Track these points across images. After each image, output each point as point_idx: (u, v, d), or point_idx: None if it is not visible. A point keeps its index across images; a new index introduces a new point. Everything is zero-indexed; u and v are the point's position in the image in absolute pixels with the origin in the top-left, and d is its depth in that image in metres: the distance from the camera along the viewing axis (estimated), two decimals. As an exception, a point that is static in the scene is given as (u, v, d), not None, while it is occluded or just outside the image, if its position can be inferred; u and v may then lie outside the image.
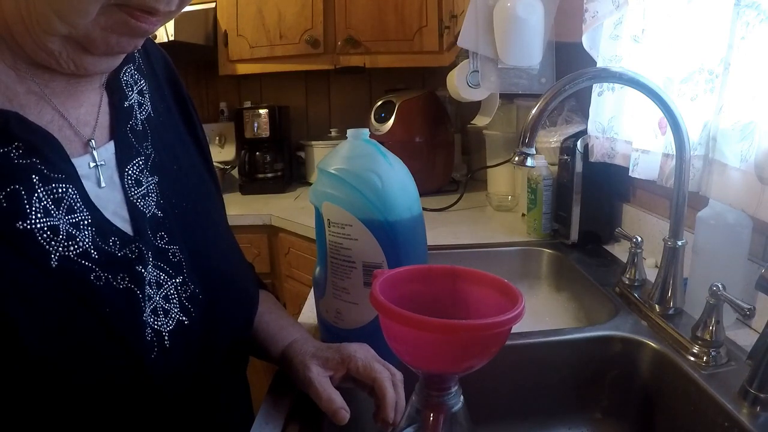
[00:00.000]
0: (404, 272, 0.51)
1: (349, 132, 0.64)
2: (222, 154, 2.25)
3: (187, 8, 1.99)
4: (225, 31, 2.00)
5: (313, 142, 2.10)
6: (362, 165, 0.61)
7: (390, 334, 0.44)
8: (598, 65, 1.00)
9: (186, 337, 0.49)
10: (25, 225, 0.40)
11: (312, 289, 0.74)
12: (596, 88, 1.02)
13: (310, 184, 2.17)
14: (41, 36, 0.41)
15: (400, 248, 0.61)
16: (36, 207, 0.41)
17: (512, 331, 0.44)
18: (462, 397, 0.46)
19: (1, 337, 0.38)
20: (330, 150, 0.64)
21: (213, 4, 1.99)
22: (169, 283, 0.49)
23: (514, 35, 1.17)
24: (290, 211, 1.75)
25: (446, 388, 0.45)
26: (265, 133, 2.03)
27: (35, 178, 0.42)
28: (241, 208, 1.82)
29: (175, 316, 0.48)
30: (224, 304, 0.54)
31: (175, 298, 0.49)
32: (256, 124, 2.02)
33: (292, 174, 2.26)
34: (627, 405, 0.70)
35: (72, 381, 0.41)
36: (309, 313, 0.82)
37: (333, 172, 0.61)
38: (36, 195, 0.41)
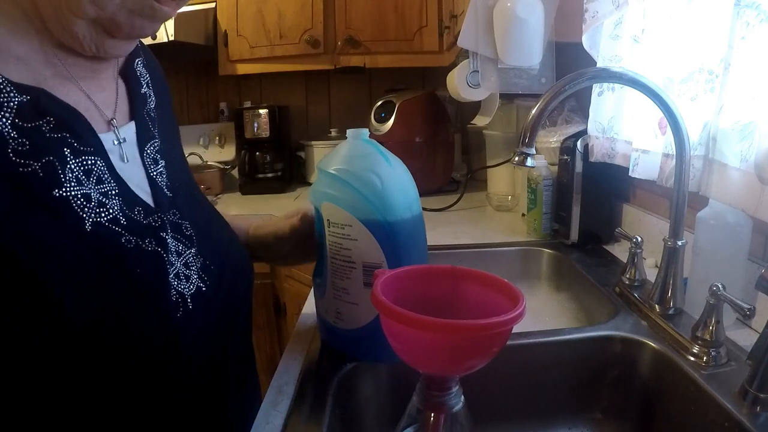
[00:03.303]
0: (405, 272, 0.51)
1: (349, 132, 0.64)
2: (222, 154, 2.25)
3: (187, 8, 1.99)
4: (225, 31, 2.00)
5: (313, 142, 2.10)
6: (362, 165, 0.61)
7: (391, 334, 0.44)
8: (598, 65, 1.00)
9: (204, 301, 0.52)
10: (61, 192, 0.43)
11: (312, 289, 0.74)
12: (596, 88, 1.02)
13: (310, 184, 2.17)
14: (70, 19, 0.44)
15: (400, 248, 0.60)
16: (69, 177, 0.44)
17: (512, 331, 0.44)
18: (462, 397, 0.46)
19: (40, 298, 0.40)
20: (330, 150, 0.65)
21: (213, 4, 1.99)
22: (187, 252, 0.52)
23: (514, 35, 1.17)
24: (290, 211, 1.74)
25: (447, 388, 0.45)
26: (265, 133, 2.03)
27: (67, 151, 0.45)
28: (241, 208, 1.82)
29: (195, 281, 0.52)
30: (229, 273, 0.58)
31: (193, 265, 0.52)
32: (256, 124, 2.02)
33: (292, 174, 2.26)
34: (627, 405, 0.70)
35: (106, 339, 0.43)
36: (309, 313, 0.82)
37: (333, 172, 0.61)
38: (68, 166, 0.44)
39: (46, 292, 0.40)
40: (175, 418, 0.51)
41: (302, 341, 0.72)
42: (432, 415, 0.45)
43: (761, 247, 0.70)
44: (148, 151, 0.54)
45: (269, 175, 2.09)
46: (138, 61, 0.58)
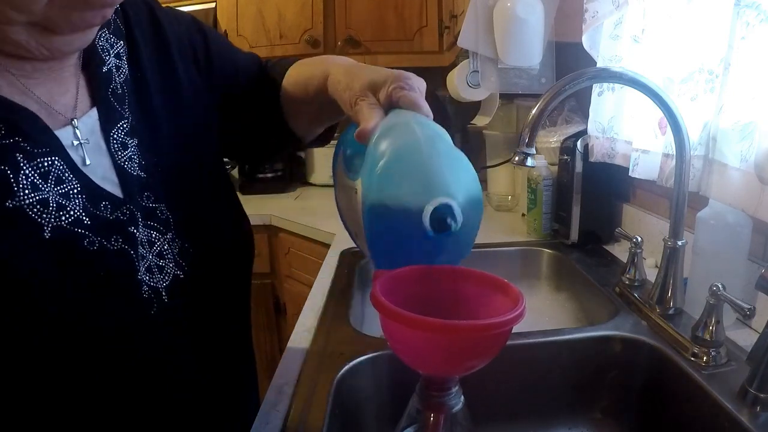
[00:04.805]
0: (405, 272, 0.50)
1: None
2: (222, 154, 2.24)
3: (187, 8, 1.98)
4: (225, 31, 2.00)
5: (313, 142, 2.10)
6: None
7: (391, 334, 0.44)
8: (598, 65, 1.00)
9: (183, 290, 0.51)
10: (14, 202, 0.41)
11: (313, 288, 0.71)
12: (596, 88, 1.02)
13: (310, 184, 2.18)
14: (3, 28, 0.41)
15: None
16: (23, 184, 0.42)
17: (512, 332, 0.44)
18: (462, 397, 0.46)
19: (20, 302, 0.40)
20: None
21: (213, 4, 2.00)
22: (162, 240, 0.51)
23: (514, 35, 1.17)
24: (290, 211, 1.75)
25: (447, 389, 0.45)
26: (265, 133, 2.02)
27: (19, 156, 0.42)
28: (241, 208, 1.82)
29: (171, 271, 0.50)
30: (216, 255, 0.55)
31: (168, 253, 0.51)
32: (256, 124, 2.02)
33: (292, 174, 2.25)
34: (627, 405, 0.70)
35: (90, 344, 0.43)
36: (309, 313, 0.82)
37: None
38: (22, 172, 0.42)
39: (24, 295, 0.40)
40: (173, 418, 0.51)
41: (302, 341, 0.72)
42: (432, 415, 0.45)
43: (761, 247, 0.70)
44: (115, 135, 0.50)
45: (269, 175, 2.09)
46: (101, 33, 0.52)
